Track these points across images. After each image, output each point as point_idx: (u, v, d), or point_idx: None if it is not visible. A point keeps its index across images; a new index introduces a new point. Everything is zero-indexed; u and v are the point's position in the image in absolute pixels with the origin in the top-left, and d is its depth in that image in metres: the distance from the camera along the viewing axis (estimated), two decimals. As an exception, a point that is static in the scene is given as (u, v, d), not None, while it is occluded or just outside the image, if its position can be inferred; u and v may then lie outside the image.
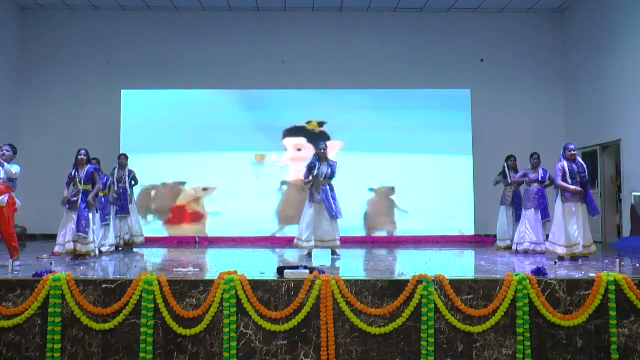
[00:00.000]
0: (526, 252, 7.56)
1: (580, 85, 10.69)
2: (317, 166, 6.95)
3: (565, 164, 6.50)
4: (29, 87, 10.96)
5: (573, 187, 6.39)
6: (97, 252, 6.99)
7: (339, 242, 7.02)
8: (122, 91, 10.55)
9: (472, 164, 10.43)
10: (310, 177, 6.98)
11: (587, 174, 6.52)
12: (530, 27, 11.18)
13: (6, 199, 5.96)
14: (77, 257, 6.60)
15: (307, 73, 10.88)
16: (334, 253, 7.03)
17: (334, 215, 6.89)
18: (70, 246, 6.54)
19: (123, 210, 8.36)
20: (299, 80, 10.79)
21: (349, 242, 9.59)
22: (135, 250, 8.49)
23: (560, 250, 6.48)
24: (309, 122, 10.68)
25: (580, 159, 6.58)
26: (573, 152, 6.53)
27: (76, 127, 10.76)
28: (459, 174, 10.44)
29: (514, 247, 7.80)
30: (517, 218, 8.23)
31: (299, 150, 10.65)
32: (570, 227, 6.43)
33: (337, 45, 11.02)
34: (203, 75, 10.84)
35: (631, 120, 9.07)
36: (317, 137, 10.50)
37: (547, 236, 6.96)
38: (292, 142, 10.68)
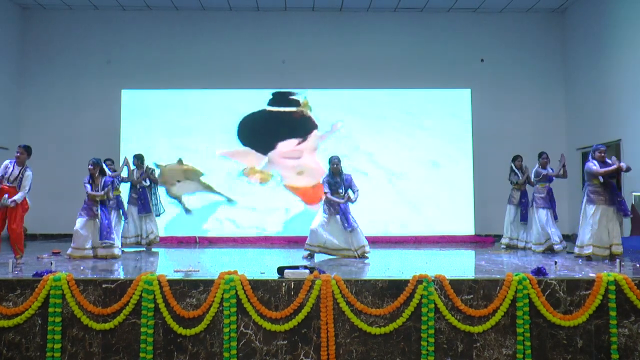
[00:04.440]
0: (546, 251, 7.52)
1: (580, 85, 10.69)
2: (333, 181, 6.97)
3: (595, 164, 6.62)
4: (29, 87, 10.96)
5: (610, 169, 6.46)
6: (120, 253, 7.18)
7: (366, 249, 6.93)
8: (122, 91, 10.56)
9: (472, 164, 10.43)
10: (329, 192, 6.96)
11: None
12: (530, 27, 11.17)
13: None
14: (99, 258, 6.75)
15: (307, 73, 10.88)
16: (362, 257, 6.97)
17: (347, 228, 6.84)
18: (89, 252, 6.68)
19: (145, 209, 8.25)
20: (299, 80, 10.78)
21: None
22: (133, 250, 8.48)
23: (587, 251, 6.55)
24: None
25: (608, 160, 6.67)
26: (602, 154, 6.65)
27: (76, 126, 10.76)
28: (459, 174, 10.44)
29: (534, 248, 7.72)
30: (523, 217, 8.25)
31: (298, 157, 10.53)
32: (602, 228, 6.53)
33: (337, 45, 11.01)
34: (203, 75, 10.83)
35: (631, 120, 9.06)
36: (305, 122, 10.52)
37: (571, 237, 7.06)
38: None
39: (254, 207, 10.48)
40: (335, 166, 6.98)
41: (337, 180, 6.98)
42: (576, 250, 6.76)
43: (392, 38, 11.05)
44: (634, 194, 8.78)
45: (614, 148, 9.78)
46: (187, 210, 10.43)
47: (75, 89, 10.91)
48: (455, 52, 11.03)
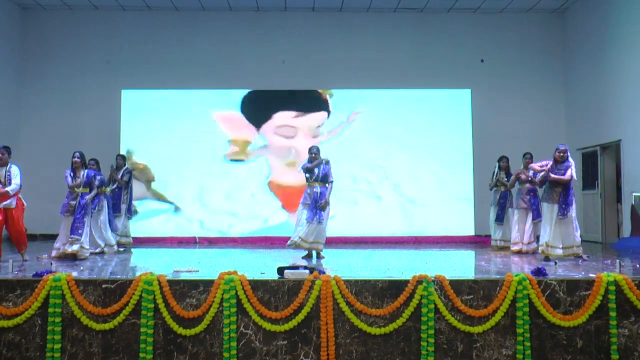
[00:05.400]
0: (519, 253, 7.54)
1: (580, 86, 10.69)
2: (309, 167, 6.95)
3: (551, 163, 6.56)
4: (29, 87, 10.96)
5: (537, 166, 6.59)
6: (97, 250, 7.13)
7: (320, 246, 6.90)
8: (122, 91, 10.56)
9: (472, 164, 10.43)
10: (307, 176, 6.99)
11: (570, 175, 6.41)
12: (531, 28, 11.18)
13: (14, 201, 6.31)
14: (68, 257, 6.60)
15: (307, 73, 10.88)
16: (318, 256, 6.97)
17: (311, 218, 6.79)
18: (62, 249, 6.60)
19: (115, 209, 8.37)
20: (299, 80, 10.78)
21: (350, 242, 9.61)
22: (133, 250, 8.49)
23: (550, 251, 6.45)
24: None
25: (571, 160, 6.54)
26: (561, 154, 6.51)
27: (76, 127, 10.75)
28: (459, 174, 10.44)
29: (512, 248, 7.76)
30: (498, 218, 8.23)
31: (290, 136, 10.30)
32: (547, 227, 6.44)
33: (337, 45, 11.02)
34: (203, 75, 10.84)
35: (631, 120, 9.07)
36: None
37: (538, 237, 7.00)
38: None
39: (232, 211, 10.36)
40: (313, 156, 6.98)
41: (314, 169, 6.94)
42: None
43: (392, 38, 11.06)
44: (634, 194, 8.79)
45: (614, 148, 9.79)
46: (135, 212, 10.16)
47: (76, 89, 10.91)
48: (455, 52, 11.03)
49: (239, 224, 10.33)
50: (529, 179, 7.70)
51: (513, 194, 8.21)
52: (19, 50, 10.94)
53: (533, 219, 7.63)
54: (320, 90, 10.59)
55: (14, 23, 10.85)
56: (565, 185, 6.44)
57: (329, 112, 10.52)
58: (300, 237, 6.80)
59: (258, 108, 10.50)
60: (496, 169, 8.43)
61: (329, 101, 10.55)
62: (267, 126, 10.49)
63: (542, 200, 6.71)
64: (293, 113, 10.48)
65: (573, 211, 6.47)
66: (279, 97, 10.58)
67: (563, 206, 6.40)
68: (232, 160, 10.46)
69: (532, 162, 7.83)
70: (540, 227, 7.27)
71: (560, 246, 6.37)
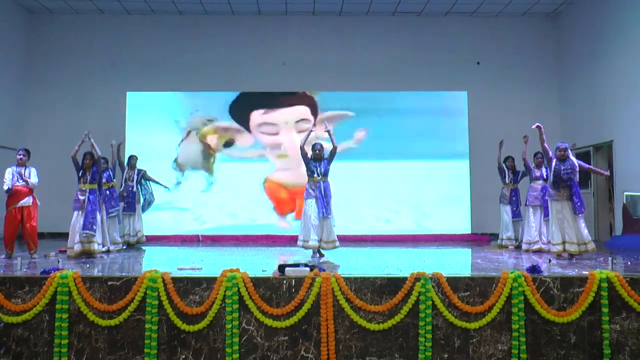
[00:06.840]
0: (540, 251, 7.54)
1: (573, 87, 10.83)
2: (312, 164, 6.98)
3: (554, 162, 6.58)
4: (35, 90, 11.06)
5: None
6: (104, 249, 7.26)
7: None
8: (128, 93, 10.67)
9: (468, 164, 10.55)
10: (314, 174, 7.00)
11: (576, 173, 6.48)
12: (525, 31, 11.32)
13: (31, 200, 6.76)
14: (84, 255, 6.70)
15: (307, 75, 10.99)
16: (320, 254, 6.95)
17: (323, 213, 6.76)
18: (78, 247, 6.68)
19: (130, 208, 8.56)
20: (299, 82, 10.90)
21: (348, 241, 9.71)
22: (137, 248, 8.59)
23: (555, 249, 6.58)
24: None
25: (573, 159, 6.58)
26: (562, 153, 6.57)
27: (81, 128, 10.50)
28: (456, 174, 10.55)
29: (524, 247, 7.79)
30: (514, 215, 8.35)
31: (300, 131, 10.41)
32: (559, 225, 6.50)
33: (337, 48, 11.15)
34: (206, 77, 10.96)
35: (623, 121, 9.21)
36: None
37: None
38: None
39: (233, 212, 10.44)
40: (317, 152, 6.98)
41: (317, 164, 6.97)
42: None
43: (390, 41, 11.19)
44: (625, 193, 8.92)
45: (607, 149, 9.93)
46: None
47: (81, 91, 11.03)
48: (452, 55, 11.16)
49: (229, 220, 10.44)
50: (543, 176, 7.75)
51: (520, 190, 8.29)
52: (25, 52, 11.06)
53: (544, 217, 7.61)
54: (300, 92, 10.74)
55: (22, 26, 10.97)
56: (573, 183, 6.48)
57: (314, 108, 10.59)
58: (317, 240, 6.76)
59: (239, 110, 10.68)
60: (505, 169, 8.54)
61: (313, 96, 10.68)
62: (252, 126, 10.65)
63: (550, 199, 6.59)
64: (262, 110, 10.62)
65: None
66: (254, 97, 10.76)
67: (579, 204, 6.43)
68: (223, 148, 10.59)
69: (543, 162, 7.88)
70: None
71: (576, 242, 6.43)
